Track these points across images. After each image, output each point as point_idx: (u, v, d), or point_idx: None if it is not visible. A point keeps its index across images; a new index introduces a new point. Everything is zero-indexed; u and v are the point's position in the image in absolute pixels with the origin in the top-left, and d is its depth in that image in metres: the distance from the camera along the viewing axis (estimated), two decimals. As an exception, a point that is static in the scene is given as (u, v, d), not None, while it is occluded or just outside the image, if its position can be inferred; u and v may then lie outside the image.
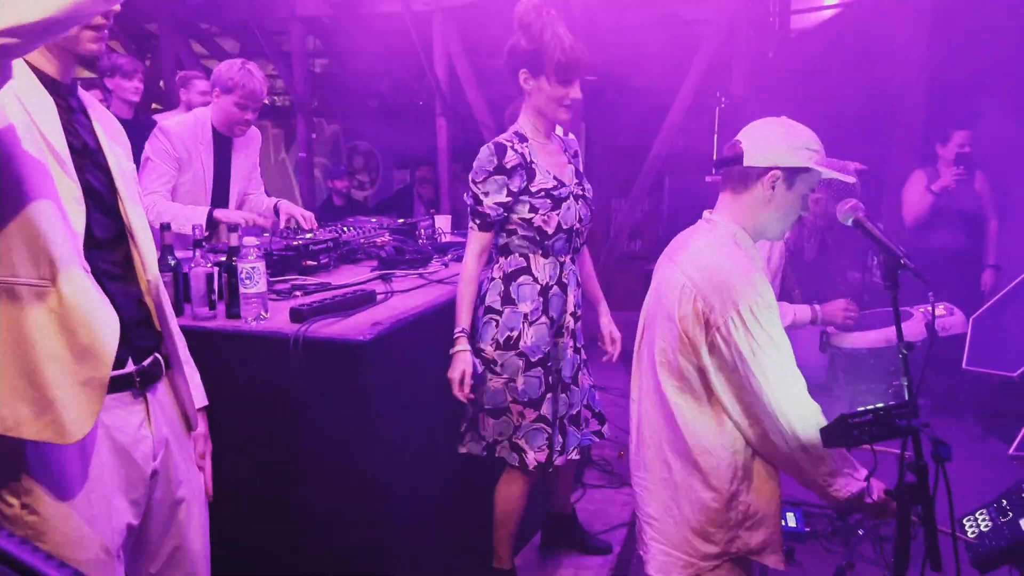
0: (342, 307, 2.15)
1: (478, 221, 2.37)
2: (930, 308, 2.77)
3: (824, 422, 1.64)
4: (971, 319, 2.34)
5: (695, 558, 1.77)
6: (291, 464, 2.03)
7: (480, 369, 2.40)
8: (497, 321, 2.41)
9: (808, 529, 3.50)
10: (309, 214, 3.20)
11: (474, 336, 2.42)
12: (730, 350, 1.64)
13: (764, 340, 1.62)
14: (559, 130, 2.69)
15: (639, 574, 3.15)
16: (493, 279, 2.44)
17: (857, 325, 2.83)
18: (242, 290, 2.03)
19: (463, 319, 2.35)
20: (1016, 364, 1.92)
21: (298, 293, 2.33)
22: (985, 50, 5.08)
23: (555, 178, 2.40)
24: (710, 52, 5.32)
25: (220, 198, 3.28)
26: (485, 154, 2.33)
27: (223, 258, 2.14)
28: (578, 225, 2.45)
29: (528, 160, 2.36)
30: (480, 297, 2.45)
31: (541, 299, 2.41)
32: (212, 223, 3.11)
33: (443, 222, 3.54)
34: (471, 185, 2.36)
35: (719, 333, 1.65)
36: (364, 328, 1.98)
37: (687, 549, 1.77)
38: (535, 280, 2.41)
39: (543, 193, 2.36)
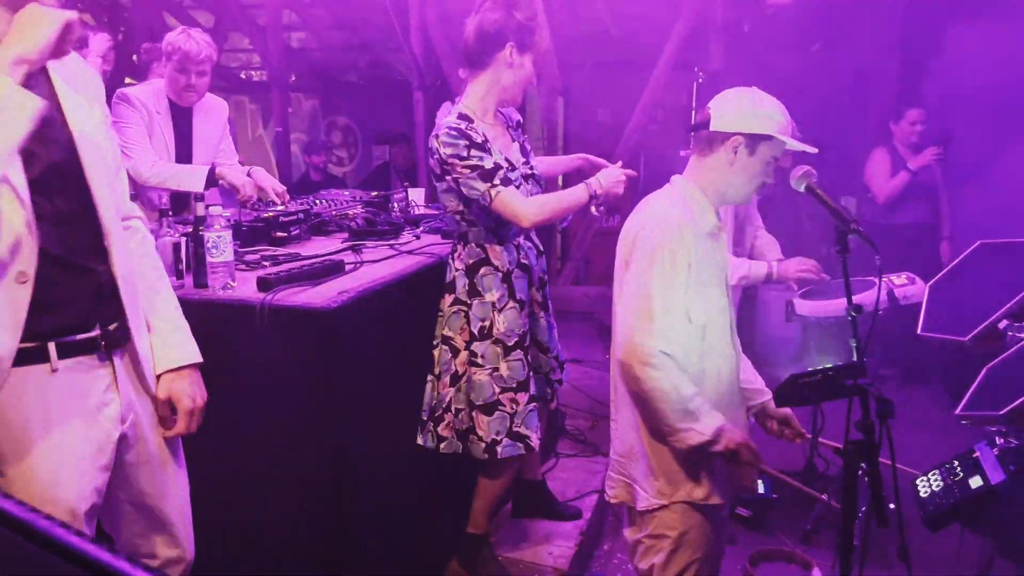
0: (310, 276, 2.17)
1: (497, 180, 2.24)
2: (891, 277, 2.83)
3: (676, 380, 1.70)
4: (927, 287, 2.40)
5: (650, 495, 1.87)
6: (258, 431, 2.05)
7: (447, 360, 2.40)
8: (465, 312, 2.40)
9: (776, 496, 3.59)
10: (281, 188, 3.20)
11: (441, 325, 2.44)
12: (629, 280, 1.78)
13: (656, 282, 1.72)
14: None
15: (609, 538, 3.23)
16: (458, 269, 2.42)
17: (823, 293, 2.88)
18: (208, 259, 2.05)
19: (580, 189, 2.33)
20: (968, 329, 1.98)
21: (266, 263, 2.34)
22: (957, 27, 5.14)
23: (506, 159, 2.36)
24: (687, 26, 5.33)
25: None
26: (451, 139, 2.25)
27: (190, 228, 2.15)
28: None
29: (482, 141, 2.31)
30: (447, 284, 2.44)
31: (505, 286, 2.40)
32: (213, 181, 3.13)
33: (417, 195, 3.56)
34: (461, 166, 2.24)
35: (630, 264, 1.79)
36: (330, 296, 2.00)
37: (644, 485, 1.88)
38: (496, 269, 2.39)
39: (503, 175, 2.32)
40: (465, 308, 2.40)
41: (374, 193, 3.51)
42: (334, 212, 3.02)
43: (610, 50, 5.69)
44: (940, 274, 2.33)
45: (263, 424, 2.06)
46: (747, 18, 5.34)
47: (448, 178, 2.31)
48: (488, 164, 2.26)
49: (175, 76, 3.14)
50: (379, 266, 2.44)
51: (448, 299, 2.43)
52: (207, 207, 2.07)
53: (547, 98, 5.84)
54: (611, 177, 2.35)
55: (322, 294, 2.03)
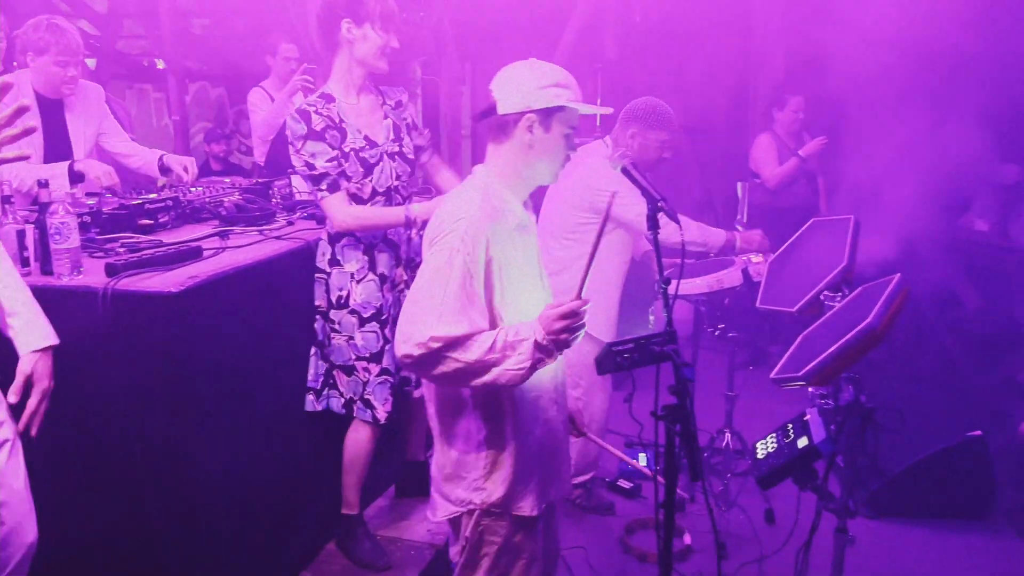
0: (162, 262, 2.16)
1: (324, 185, 2.38)
2: (750, 256, 2.98)
3: (463, 357, 1.58)
4: (768, 263, 2.55)
5: (450, 502, 1.80)
6: (106, 419, 2.05)
7: (319, 327, 2.53)
8: (325, 281, 2.50)
9: (657, 467, 3.74)
10: (190, 160, 3.21)
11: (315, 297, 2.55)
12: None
13: (430, 286, 1.60)
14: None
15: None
16: (320, 240, 2.53)
17: (688, 273, 3.01)
18: (53, 246, 2.02)
19: (400, 211, 2.40)
20: (796, 301, 2.12)
21: (121, 250, 2.32)
22: (835, 15, 5.41)
23: (365, 138, 2.43)
24: (583, 16, 5.44)
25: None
26: (292, 123, 2.35)
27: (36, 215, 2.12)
28: (396, 183, 2.50)
29: (337, 121, 2.39)
30: (318, 257, 2.55)
31: (367, 258, 2.49)
32: (77, 177, 3.02)
33: (300, 182, 3.55)
34: (295, 157, 2.38)
35: None
36: (178, 281, 2.01)
37: (444, 491, 1.80)
38: (358, 241, 2.48)
39: (354, 157, 2.40)
40: (325, 277, 2.50)
41: (256, 180, 3.50)
42: (207, 199, 2.99)
43: (509, 41, 5.76)
44: (779, 251, 2.48)
45: (112, 412, 2.05)
46: (638, 7, 5.49)
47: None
48: (319, 164, 2.35)
49: (54, 71, 3.01)
50: (243, 251, 2.44)
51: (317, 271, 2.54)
52: (50, 193, 2.05)
53: (449, 87, 5.88)
54: (428, 208, 2.37)
55: (171, 279, 2.03)
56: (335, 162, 2.38)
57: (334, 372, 2.54)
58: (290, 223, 2.90)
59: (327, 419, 2.59)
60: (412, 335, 1.57)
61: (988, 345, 4.93)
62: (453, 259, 1.59)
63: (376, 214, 2.45)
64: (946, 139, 4.81)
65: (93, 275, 2.08)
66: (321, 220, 2.86)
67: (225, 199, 3.04)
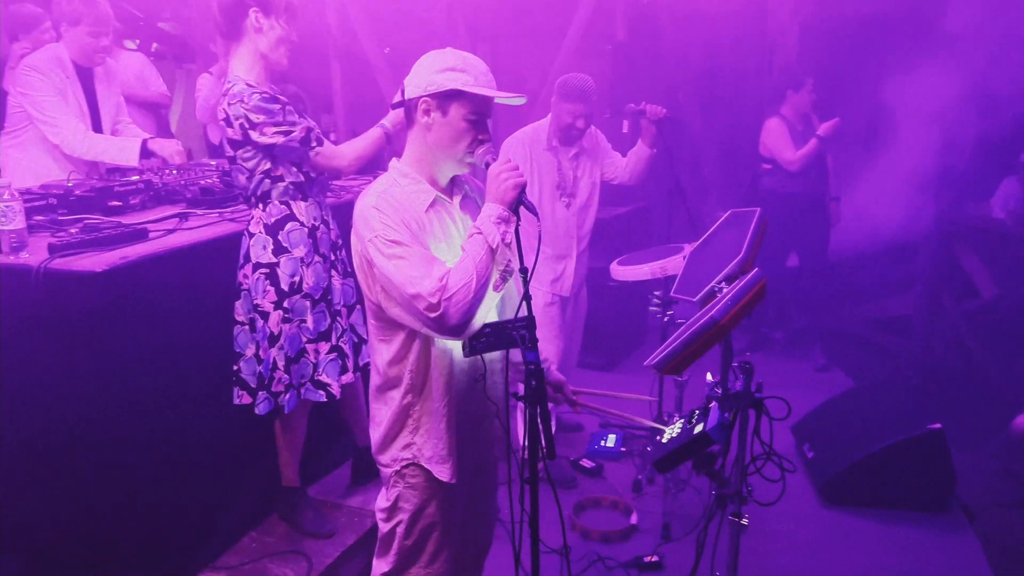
0: (104, 242, 2.34)
1: (314, 142, 2.44)
2: (688, 245, 2.99)
3: (465, 285, 1.68)
4: (688, 253, 2.58)
5: (384, 466, 1.97)
6: (35, 396, 2.21)
7: (260, 327, 2.52)
8: (268, 274, 2.50)
9: (624, 449, 3.81)
10: (181, 150, 3.24)
11: (247, 298, 2.54)
12: (377, 275, 1.75)
13: (391, 266, 1.70)
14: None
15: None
16: (254, 234, 2.50)
17: (635, 260, 3.05)
18: None
19: (377, 130, 2.58)
20: (699, 291, 2.15)
21: (74, 231, 2.48)
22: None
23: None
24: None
25: (95, 131, 3.33)
26: (266, 104, 2.33)
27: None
28: None
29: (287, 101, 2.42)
30: (243, 255, 2.54)
31: (311, 240, 2.55)
32: (147, 153, 3.21)
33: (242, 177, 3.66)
34: (269, 136, 2.36)
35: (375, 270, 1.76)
36: (108, 261, 2.17)
37: (381, 460, 1.97)
38: (302, 224, 2.53)
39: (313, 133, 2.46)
40: (268, 270, 2.50)
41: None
42: (182, 182, 3.17)
43: (516, 23, 5.78)
44: (699, 240, 2.50)
45: (42, 386, 2.20)
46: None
47: (255, 141, 2.39)
48: (300, 124, 2.40)
49: (87, 41, 3.17)
50: (194, 232, 2.58)
51: (248, 268, 2.52)
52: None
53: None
54: (397, 118, 2.55)
55: (103, 259, 2.19)
56: (307, 119, 2.44)
57: (275, 373, 2.53)
58: (253, 206, 3.05)
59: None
60: (430, 312, 1.67)
61: (1006, 336, 4.77)
62: (389, 240, 1.70)
63: (362, 139, 2.56)
64: (965, 121, 4.64)
65: (36, 254, 2.25)
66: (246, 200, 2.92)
67: (201, 181, 3.22)
